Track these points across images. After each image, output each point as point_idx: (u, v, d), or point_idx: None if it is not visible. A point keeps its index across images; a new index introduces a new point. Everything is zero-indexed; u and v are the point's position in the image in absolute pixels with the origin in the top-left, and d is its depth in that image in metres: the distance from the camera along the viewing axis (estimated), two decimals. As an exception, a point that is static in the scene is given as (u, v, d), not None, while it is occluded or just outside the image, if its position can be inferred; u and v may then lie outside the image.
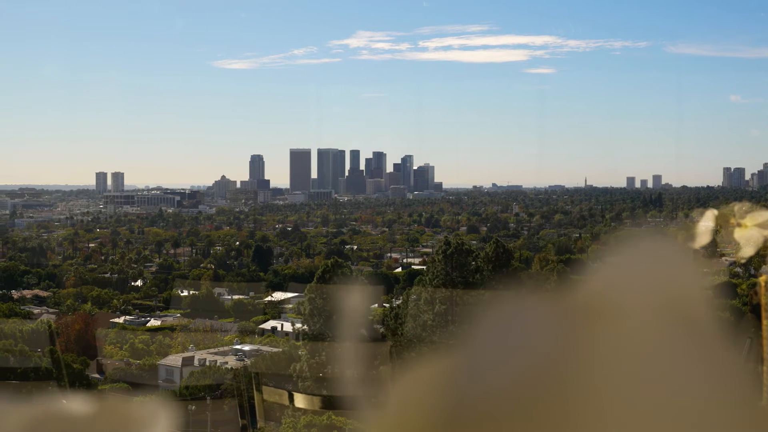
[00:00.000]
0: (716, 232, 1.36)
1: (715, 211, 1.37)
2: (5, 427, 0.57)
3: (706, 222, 1.37)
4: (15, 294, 69.41)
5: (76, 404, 0.58)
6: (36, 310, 59.17)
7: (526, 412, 0.40)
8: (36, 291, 73.27)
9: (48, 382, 31.02)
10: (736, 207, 1.37)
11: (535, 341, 0.42)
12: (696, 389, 0.38)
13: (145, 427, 0.58)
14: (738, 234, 1.34)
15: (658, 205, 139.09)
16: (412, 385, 0.51)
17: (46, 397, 0.59)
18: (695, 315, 0.42)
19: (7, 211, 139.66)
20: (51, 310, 60.19)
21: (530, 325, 0.44)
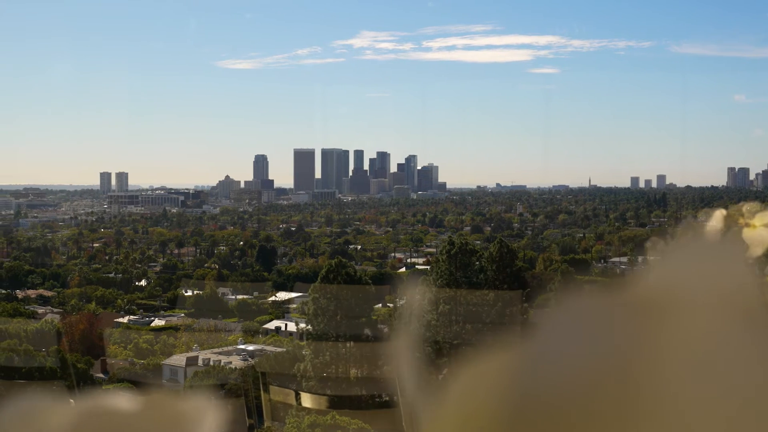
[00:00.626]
0: (725, 232, 1.35)
1: (724, 211, 1.36)
2: (51, 425, 0.57)
3: (715, 222, 1.36)
4: (19, 294, 69.51)
5: (121, 401, 0.58)
6: (40, 310, 59.25)
7: (595, 407, 0.40)
8: (40, 291, 73.37)
9: (53, 382, 31.08)
10: (745, 207, 1.34)
11: (600, 337, 0.42)
12: (762, 383, 0.38)
13: (194, 424, 0.58)
14: (747, 234, 1.33)
15: (662, 205, 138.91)
16: (474, 379, 0.50)
17: (91, 394, 0.59)
18: (755, 308, 0.41)
19: (12, 211, 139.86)
20: (55, 310, 60.26)
21: (594, 320, 0.43)
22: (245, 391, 34.79)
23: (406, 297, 45.13)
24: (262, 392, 34.31)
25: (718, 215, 1.34)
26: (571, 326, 0.44)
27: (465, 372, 0.52)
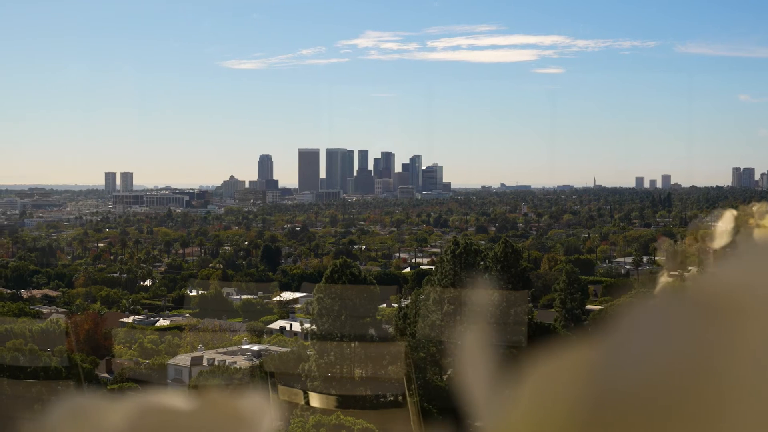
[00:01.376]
0: (735, 232, 1.34)
1: (734, 212, 1.34)
2: (107, 422, 0.57)
3: (725, 223, 1.35)
4: (24, 293, 69.66)
5: (175, 399, 0.57)
6: (45, 310, 59.36)
7: (678, 407, 0.40)
8: (45, 290, 73.53)
9: (58, 382, 31.14)
10: (755, 207, 1.33)
11: (682, 336, 0.42)
12: None
13: (250, 422, 0.58)
14: (758, 235, 1.33)
15: (667, 205, 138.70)
16: (549, 376, 0.51)
17: (145, 392, 0.59)
18: None
19: (17, 211, 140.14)
20: (60, 310, 60.38)
21: (672, 320, 0.43)
22: (273, 387, 34.82)
23: (411, 297, 45.21)
24: (271, 392, 34.36)
25: (729, 216, 1.33)
26: (651, 325, 0.44)
27: (540, 370, 0.53)
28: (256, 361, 41.64)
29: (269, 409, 0.59)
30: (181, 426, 0.57)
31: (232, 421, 0.58)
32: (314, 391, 36.05)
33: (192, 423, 0.57)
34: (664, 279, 1.41)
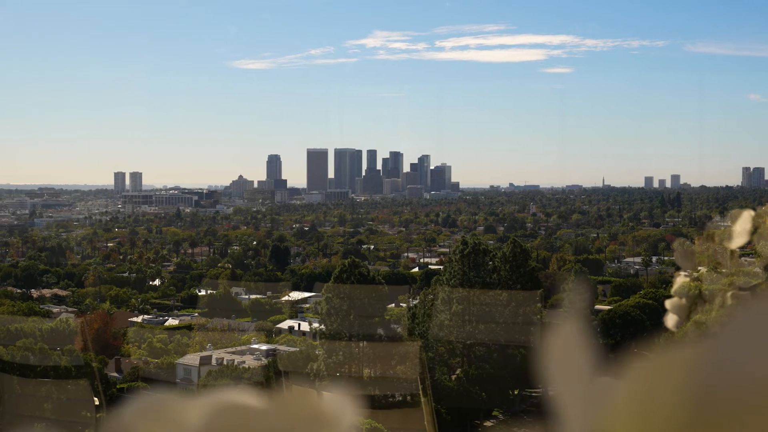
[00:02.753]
0: (754, 233, 1.32)
1: (752, 212, 1.31)
2: (186, 420, 0.57)
3: (743, 223, 1.34)
4: (35, 293, 69.86)
5: (252, 397, 0.57)
6: (55, 309, 59.52)
7: None
8: (55, 290, 73.75)
9: (68, 381, 31.21)
10: None
11: None
12: None
13: (332, 421, 0.57)
14: None
15: (676, 205, 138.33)
16: (654, 379, 0.49)
17: (223, 390, 0.59)
18: None
19: (27, 211, 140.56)
20: (70, 309, 60.54)
21: None
22: (284, 387, 34.85)
23: (419, 297, 45.19)
24: (284, 389, 34.38)
25: (746, 216, 1.31)
26: (761, 326, 0.42)
27: (642, 371, 0.51)
28: (265, 361, 41.68)
29: (350, 407, 0.58)
30: (262, 424, 0.56)
31: (313, 419, 0.57)
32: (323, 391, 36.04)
33: (272, 422, 0.56)
34: (680, 280, 1.41)
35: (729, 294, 1.32)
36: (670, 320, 1.41)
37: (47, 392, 30.83)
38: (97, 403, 29.86)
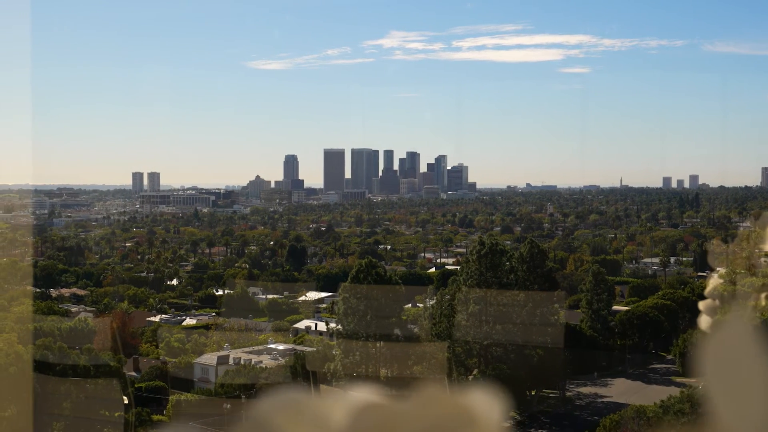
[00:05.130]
0: None
1: None
2: (328, 418, 0.56)
3: None
4: (53, 292, 70.25)
5: (392, 396, 0.56)
6: (74, 309, 59.85)
7: None
8: (74, 289, 74.14)
9: (86, 379, 31.35)
10: None
11: None
12: None
13: (478, 420, 0.56)
14: None
15: (695, 205, 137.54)
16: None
17: (360, 389, 0.58)
18: None
19: (46, 211, 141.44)
20: (88, 309, 60.85)
21: None
22: (303, 388, 34.91)
23: (436, 297, 45.09)
24: (312, 390, 34.45)
25: None
26: None
27: None
28: (282, 360, 41.72)
29: (496, 407, 0.56)
30: (408, 424, 0.55)
31: (458, 419, 0.55)
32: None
33: (418, 421, 0.55)
34: (713, 281, 1.40)
35: (764, 295, 1.32)
36: (704, 322, 1.41)
37: (66, 391, 30.99)
38: (126, 402, 30.02)
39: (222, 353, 44.72)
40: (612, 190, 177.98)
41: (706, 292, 1.40)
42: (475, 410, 0.56)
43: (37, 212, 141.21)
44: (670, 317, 53.09)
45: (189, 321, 59.03)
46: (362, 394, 0.57)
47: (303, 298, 67.08)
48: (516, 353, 41.27)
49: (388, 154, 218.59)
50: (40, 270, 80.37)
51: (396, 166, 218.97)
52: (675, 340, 50.02)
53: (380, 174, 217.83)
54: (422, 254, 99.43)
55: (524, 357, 40.89)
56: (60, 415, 30.00)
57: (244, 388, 37.06)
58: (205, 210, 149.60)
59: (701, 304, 1.41)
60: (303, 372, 36.87)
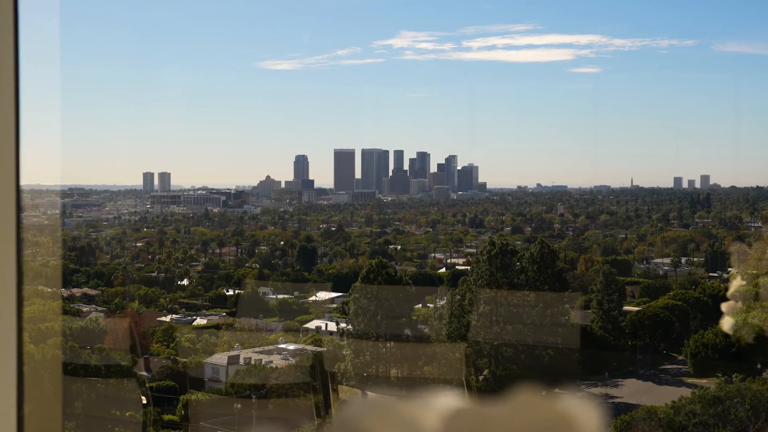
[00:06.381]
0: None
1: None
2: (420, 423, 0.55)
3: None
4: (65, 292, 70.50)
5: (481, 401, 0.55)
6: (85, 308, 60.05)
7: None
8: (85, 289, 74.39)
9: (98, 379, 31.45)
10: None
11: None
12: None
13: (576, 427, 0.54)
14: None
15: (706, 205, 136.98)
16: None
17: (445, 394, 0.56)
18: None
19: (57, 211, 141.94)
20: (99, 308, 61.03)
21: None
22: (314, 388, 34.94)
23: (446, 297, 45.04)
24: (332, 391, 34.49)
25: None
26: None
27: None
28: (292, 361, 41.74)
29: (593, 414, 0.55)
30: (501, 430, 0.53)
31: (556, 427, 0.54)
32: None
33: (512, 427, 0.53)
34: (736, 283, 1.40)
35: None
36: (726, 323, 1.41)
37: (77, 390, 31.10)
38: (144, 401, 30.10)
39: (232, 353, 44.78)
40: (622, 190, 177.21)
41: (729, 293, 1.40)
42: (573, 418, 0.53)
43: (49, 212, 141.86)
44: (681, 318, 52.92)
45: (199, 321, 59.14)
46: (449, 399, 0.55)
47: (313, 298, 67.13)
48: (526, 354, 41.22)
49: (399, 155, 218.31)
50: (51, 270, 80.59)
51: (406, 167, 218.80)
52: (686, 340, 49.88)
53: (390, 174, 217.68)
54: (432, 254, 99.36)
55: (535, 357, 40.84)
56: (71, 414, 30.11)
57: (255, 388, 37.12)
58: (216, 210, 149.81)
59: (724, 306, 1.41)
60: (322, 372, 36.90)
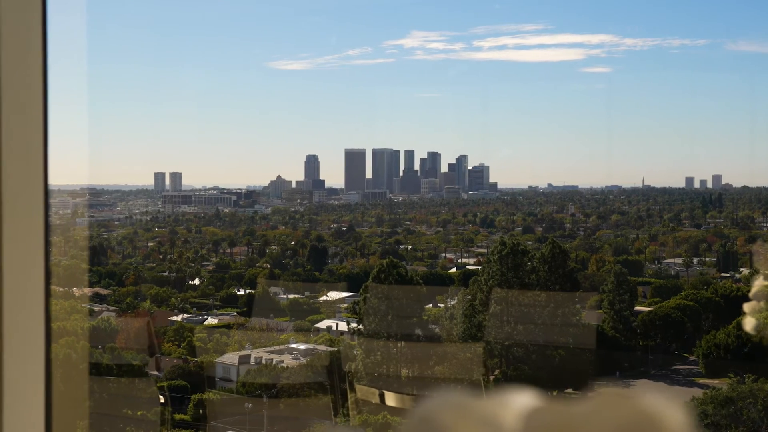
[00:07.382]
0: None
1: None
2: (500, 420, 0.54)
3: None
4: (76, 292, 70.70)
5: (555, 399, 0.55)
6: (96, 308, 60.28)
7: None
8: (96, 289, 74.67)
9: (109, 378, 31.58)
10: None
11: None
12: None
13: (662, 426, 0.53)
14: None
15: (718, 205, 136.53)
16: None
17: (523, 392, 0.56)
18: None
19: (69, 211, 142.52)
20: (111, 308, 61.26)
21: None
22: (325, 388, 34.98)
23: (457, 297, 45.05)
24: (349, 391, 34.51)
25: None
26: None
27: None
28: (303, 360, 41.80)
29: (681, 416, 0.53)
30: (584, 427, 0.53)
31: (641, 426, 0.53)
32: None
33: (595, 425, 0.53)
34: (759, 282, 1.39)
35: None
36: (748, 323, 1.40)
37: (89, 390, 31.22)
38: (162, 400, 30.20)
39: (243, 353, 44.88)
40: (634, 190, 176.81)
41: (751, 294, 1.40)
42: (659, 417, 0.52)
43: (60, 212, 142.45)
44: (693, 318, 52.75)
45: (210, 320, 59.29)
46: (528, 398, 0.55)
47: (324, 297, 67.20)
48: (537, 354, 41.18)
49: (409, 154, 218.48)
50: (63, 270, 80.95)
51: (417, 166, 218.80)
52: (698, 341, 49.72)
53: (401, 174, 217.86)
54: (443, 254, 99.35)
55: (546, 358, 40.79)
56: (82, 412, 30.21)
57: (266, 387, 37.18)
58: (227, 210, 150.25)
59: (746, 306, 1.41)
60: (339, 372, 36.95)
